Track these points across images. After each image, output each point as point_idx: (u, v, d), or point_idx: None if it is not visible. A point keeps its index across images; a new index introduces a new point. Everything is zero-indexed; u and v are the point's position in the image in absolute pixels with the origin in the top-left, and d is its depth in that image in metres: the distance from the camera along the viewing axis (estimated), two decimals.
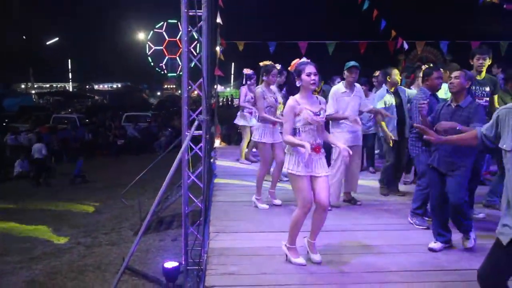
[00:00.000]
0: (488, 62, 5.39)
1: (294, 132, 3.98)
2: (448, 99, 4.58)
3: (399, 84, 6.54)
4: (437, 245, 4.39)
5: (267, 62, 6.15)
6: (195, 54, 5.91)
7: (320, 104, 4.07)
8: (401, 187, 6.72)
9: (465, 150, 4.12)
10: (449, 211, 4.33)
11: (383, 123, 6.22)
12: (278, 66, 6.50)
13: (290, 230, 4.08)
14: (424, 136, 3.62)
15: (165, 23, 56.82)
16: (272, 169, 6.37)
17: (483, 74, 5.46)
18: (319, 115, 3.98)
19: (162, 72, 60.13)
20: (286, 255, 4.15)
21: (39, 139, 15.21)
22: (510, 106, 2.72)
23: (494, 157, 6.90)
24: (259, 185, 5.93)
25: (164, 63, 59.51)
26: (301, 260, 4.06)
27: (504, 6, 9.49)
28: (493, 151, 2.89)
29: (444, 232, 4.42)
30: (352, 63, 5.65)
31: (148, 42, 57.90)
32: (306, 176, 3.93)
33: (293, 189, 4.03)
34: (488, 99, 5.45)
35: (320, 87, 6.79)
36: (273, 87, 6.29)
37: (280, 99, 6.52)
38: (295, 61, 4.14)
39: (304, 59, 4.13)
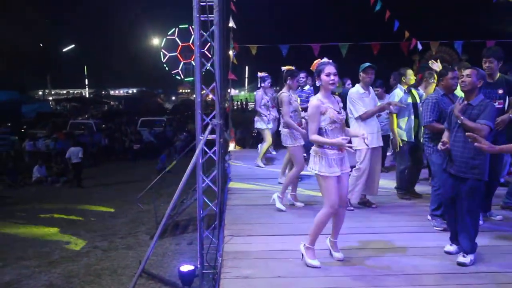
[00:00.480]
0: (495, 64, 5.16)
1: (320, 131, 4.02)
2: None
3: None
4: (453, 248, 4.32)
5: (291, 67, 6.16)
6: (210, 56, 5.96)
7: (338, 103, 4.15)
8: (418, 188, 6.60)
9: (478, 152, 3.95)
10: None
11: (395, 126, 6.16)
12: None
13: (314, 230, 4.08)
14: (476, 144, 3.52)
15: (177, 28, 57.24)
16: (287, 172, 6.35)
17: (497, 75, 5.24)
18: (340, 113, 4.07)
19: (180, 78, 60.59)
20: (302, 255, 4.15)
21: (75, 143, 15.26)
22: None
23: None
24: (287, 183, 5.89)
25: (180, 68, 59.96)
26: (316, 262, 4.05)
27: None
28: None
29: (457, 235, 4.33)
30: (367, 64, 5.63)
31: (162, 50, 58.43)
32: (335, 177, 3.97)
33: (321, 190, 4.06)
34: (501, 101, 5.21)
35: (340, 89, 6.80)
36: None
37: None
38: (317, 61, 4.19)
39: (325, 59, 4.16)
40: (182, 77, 60.52)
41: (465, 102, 4.24)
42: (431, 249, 4.48)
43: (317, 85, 4.15)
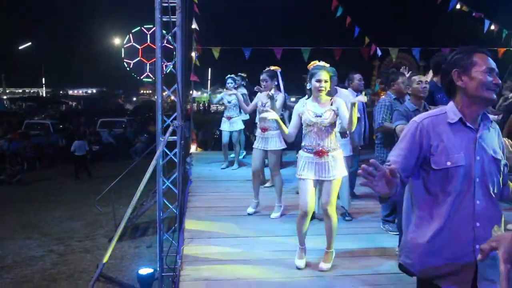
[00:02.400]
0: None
1: (301, 133, 4.19)
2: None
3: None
4: None
5: (274, 67, 5.93)
6: (169, 62, 5.91)
7: (331, 105, 4.04)
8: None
9: None
10: None
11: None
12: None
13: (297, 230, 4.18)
14: None
15: (130, 34, 56.29)
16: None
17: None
18: (320, 116, 3.99)
19: (138, 78, 59.62)
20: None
21: (80, 137, 15.90)
22: None
23: None
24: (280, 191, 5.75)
25: (148, 71, 59.07)
26: (298, 262, 4.11)
27: (473, 14, 9.75)
28: None
29: None
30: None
31: (130, 34, 57.14)
32: (308, 180, 4.00)
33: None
34: None
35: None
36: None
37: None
38: (314, 62, 4.20)
39: (321, 63, 4.13)
40: (153, 77, 59.69)
41: (421, 110, 4.19)
42: (388, 250, 4.58)
43: (307, 88, 4.13)
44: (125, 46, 56.69)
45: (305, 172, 4.02)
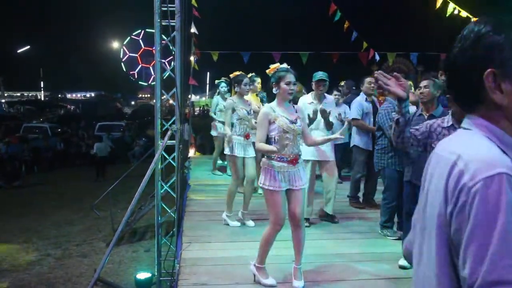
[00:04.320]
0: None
1: (269, 141, 3.77)
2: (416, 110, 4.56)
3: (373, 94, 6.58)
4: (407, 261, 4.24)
5: (237, 73, 5.94)
6: (168, 67, 5.91)
7: (296, 112, 3.90)
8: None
9: None
10: None
11: (366, 125, 6.19)
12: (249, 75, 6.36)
13: (260, 248, 3.87)
14: None
15: (143, 31, 56.30)
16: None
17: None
18: (295, 123, 3.80)
19: (133, 79, 59.48)
20: (255, 276, 3.94)
21: (100, 139, 16.65)
22: None
23: None
24: (229, 200, 5.62)
25: (136, 71, 58.88)
26: (271, 281, 3.86)
27: (472, 20, 9.79)
28: None
29: None
30: (319, 74, 5.46)
31: (124, 47, 57.06)
32: (282, 191, 3.74)
33: (266, 204, 3.82)
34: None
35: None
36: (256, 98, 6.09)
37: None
38: (275, 66, 3.97)
39: (284, 65, 3.95)
40: (135, 79, 59.54)
41: (426, 113, 4.18)
42: (386, 254, 4.59)
43: (274, 92, 3.90)
44: (123, 60, 56.51)
45: (277, 183, 3.71)
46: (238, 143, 5.65)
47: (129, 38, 56.12)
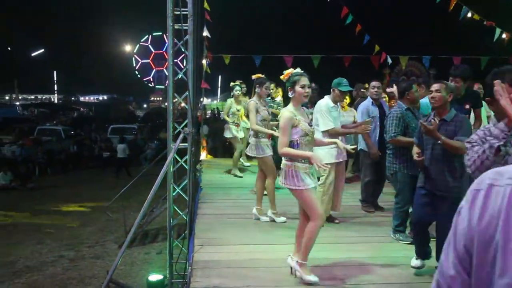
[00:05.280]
0: (461, 84, 5.05)
1: (291, 144, 3.87)
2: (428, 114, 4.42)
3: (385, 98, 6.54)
4: (419, 262, 4.20)
5: (260, 75, 6.10)
6: (182, 66, 5.95)
7: (308, 116, 4.07)
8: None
9: (459, 170, 3.86)
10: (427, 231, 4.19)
11: (367, 137, 6.17)
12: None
13: (307, 245, 3.87)
14: None
15: (150, 36, 56.68)
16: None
17: (462, 92, 5.15)
18: (311, 125, 3.99)
19: (150, 85, 59.97)
20: (292, 269, 4.00)
21: (122, 140, 17.23)
22: None
23: None
24: (272, 198, 5.72)
25: (151, 76, 59.39)
26: (314, 278, 3.88)
27: (484, 22, 9.72)
28: None
29: (426, 249, 4.20)
30: (347, 86, 5.52)
31: (135, 56, 57.65)
32: (312, 188, 3.87)
33: (304, 204, 3.89)
34: (467, 115, 5.06)
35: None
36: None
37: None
38: (289, 71, 4.06)
39: (298, 70, 4.05)
40: (153, 84, 59.97)
41: (437, 118, 4.04)
42: (398, 258, 4.56)
43: (289, 96, 4.00)
44: (136, 68, 57.03)
45: (306, 181, 3.81)
46: (264, 144, 5.84)
47: (138, 45, 56.67)
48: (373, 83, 6.35)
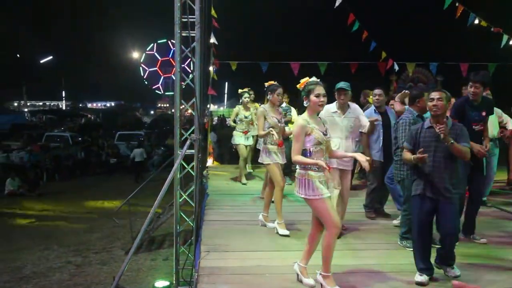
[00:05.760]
0: (480, 90, 5.07)
1: (304, 153, 3.89)
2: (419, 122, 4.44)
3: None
4: (423, 278, 4.09)
5: (272, 82, 6.04)
6: (189, 70, 5.95)
7: (324, 125, 4.06)
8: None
9: (460, 176, 3.90)
10: (431, 240, 4.20)
11: (367, 144, 6.11)
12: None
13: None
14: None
15: (155, 44, 56.87)
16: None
17: (480, 99, 5.15)
18: (326, 134, 3.97)
19: (160, 93, 60.18)
20: (298, 276, 4.05)
21: (139, 145, 18.30)
22: None
23: None
24: (279, 208, 5.60)
25: (160, 83, 59.59)
26: None
27: (492, 29, 9.68)
28: None
29: (428, 264, 4.16)
30: (340, 84, 5.41)
31: (142, 65, 57.87)
32: (327, 197, 3.83)
33: (317, 213, 3.89)
34: (482, 123, 5.19)
35: None
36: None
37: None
38: (305, 80, 4.09)
39: (314, 79, 4.08)
40: (162, 91, 60.18)
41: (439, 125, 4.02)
42: (406, 266, 4.53)
43: (305, 105, 4.01)
44: (144, 77, 57.23)
45: (320, 191, 3.81)
46: (273, 152, 5.75)
47: (144, 54, 56.94)
48: (376, 91, 6.31)
